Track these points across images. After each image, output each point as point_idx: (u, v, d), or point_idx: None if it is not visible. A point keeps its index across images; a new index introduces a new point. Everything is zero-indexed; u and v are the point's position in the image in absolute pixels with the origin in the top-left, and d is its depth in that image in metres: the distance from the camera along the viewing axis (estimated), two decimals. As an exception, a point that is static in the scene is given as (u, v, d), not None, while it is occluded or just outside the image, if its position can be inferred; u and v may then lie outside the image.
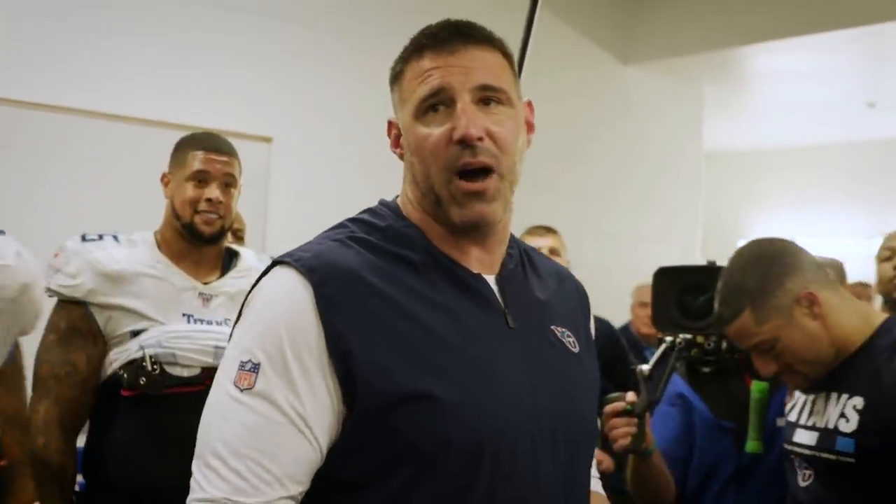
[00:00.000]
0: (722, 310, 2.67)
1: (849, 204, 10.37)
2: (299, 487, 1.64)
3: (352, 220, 1.84)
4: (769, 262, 2.64)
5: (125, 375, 2.91)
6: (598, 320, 3.55)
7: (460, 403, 1.65)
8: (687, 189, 8.70)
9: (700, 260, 3.23)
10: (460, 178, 1.72)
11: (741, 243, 8.99)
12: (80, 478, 3.05)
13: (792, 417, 2.73)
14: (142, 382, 2.90)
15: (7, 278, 2.63)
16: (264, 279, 1.74)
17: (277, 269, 1.72)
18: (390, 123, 1.85)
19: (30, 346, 3.05)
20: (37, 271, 2.71)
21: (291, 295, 1.66)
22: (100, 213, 5.22)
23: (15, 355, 2.92)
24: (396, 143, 1.85)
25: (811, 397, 2.68)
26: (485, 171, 1.73)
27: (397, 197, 1.89)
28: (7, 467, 2.70)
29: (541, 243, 4.50)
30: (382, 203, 1.88)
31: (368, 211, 1.86)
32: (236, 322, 1.76)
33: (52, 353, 2.95)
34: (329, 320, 1.63)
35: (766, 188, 11.05)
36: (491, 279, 1.82)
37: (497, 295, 1.81)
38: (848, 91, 9.01)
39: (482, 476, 1.66)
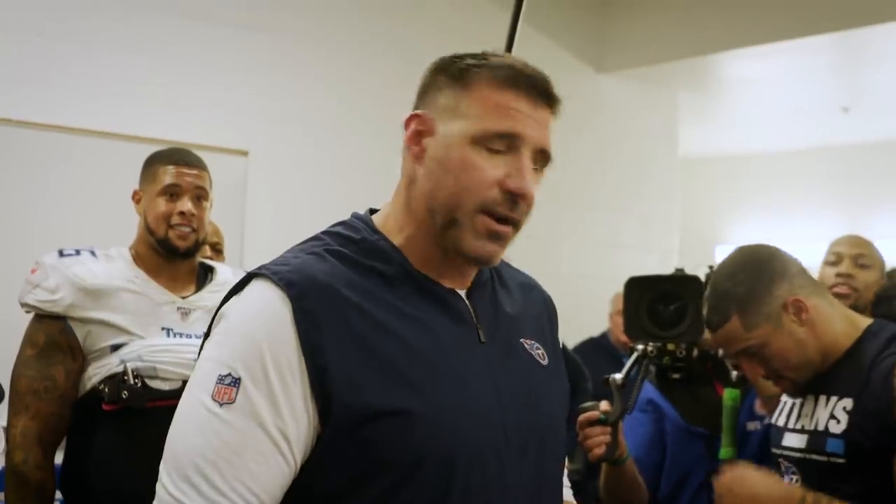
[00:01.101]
0: (710, 316, 2.67)
1: (825, 208, 10.42)
2: None
3: (326, 232, 1.83)
4: (758, 268, 2.65)
5: (106, 389, 2.91)
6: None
7: (433, 418, 1.66)
8: (663, 196, 8.72)
9: (678, 266, 3.25)
10: (488, 215, 1.73)
11: (719, 249, 8.98)
12: (58, 494, 3.04)
13: (780, 422, 2.75)
14: (124, 396, 2.90)
15: None
16: (242, 292, 1.72)
17: (255, 282, 1.71)
18: (419, 117, 1.78)
19: (5, 361, 3.05)
20: None
21: (270, 308, 1.65)
22: (76, 229, 5.21)
23: None
24: (417, 141, 1.78)
25: (798, 401, 2.69)
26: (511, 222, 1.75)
27: (369, 210, 1.89)
28: None
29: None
30: (356, 216, 1.87)
31: (342, 224, 1.85)
32: (208, 332, 1.74)
33: (31, 368, 2.95)
34: (307, 335, 1.62)
35: (742, 193, 11.09)
36: (463, 294, 1.83)
37: (469, 309, 1.82)
38: (822, 96, 9.06)
39: (454, 488, 1.67)
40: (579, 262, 7.89)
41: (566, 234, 7.85)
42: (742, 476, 2.56)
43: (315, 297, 1.65)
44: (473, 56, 1.78)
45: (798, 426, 2.65)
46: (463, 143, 1.71)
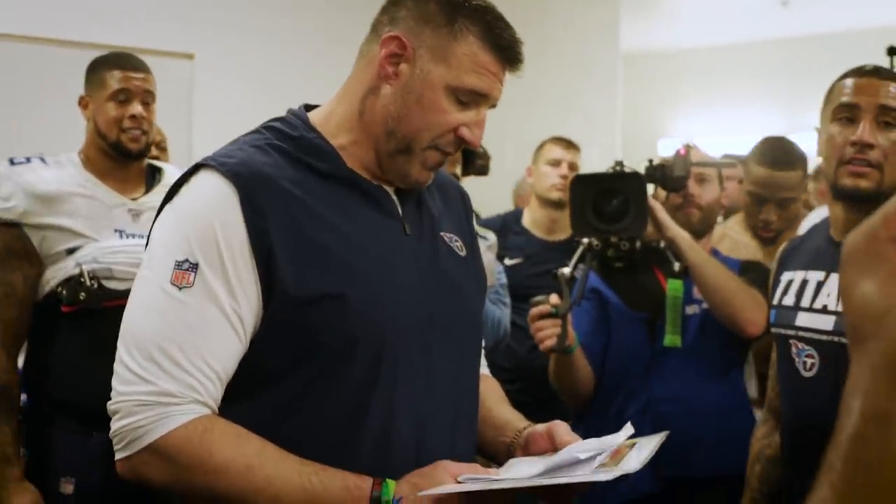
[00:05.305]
0: None
1: (763, 101, 10.50)
2: (227, 381, 1.77)
3: (266, 127, 1.95)
4: None
5: (64, 292, 2.98)
6: None
7: (366, 302, 1.79)
8: (605, 92, 8.74)
9: (617, 160, 3.31)
10: (437, 150, 1.89)
11: (661, 143, 9.00)
12: (24, 396, 3.12)
13: (788, 301, 2.67)
14: (81, 297, 2.97)
15: None
16: (190, 181, 1.83)
17: (203, 172, 1.82)
18: (400, 41, 1.86)
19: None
20: None
21: (219, 196, 1.76)
22: (22, 137, 5.20)
23: None
24: (392, 62, 1.87)
25: (814, 279, 2.61)
26: None
27: (303, 106, 2.00)
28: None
29: (564, 156, 4.61)
30: (292, 112, 1.98)
31: (280, 120, 1.96)
32: (156, 219, 1.86)
33: None
34: (253, 220, 1.73)
35: (682, 88, 11.15)
36: (391, 191, 1.96)
37: (396, 204, 1.95)
38: (761, -10, 9.11)
39: (385, 368, 1.81)
40: (523, 160, 7.92)
41: (509, 134, 7.87)
42: None
43: (259, 188, 1.76)
44: None
45: (818, 305, 2.56)
46: (440, 86, 1.85)
